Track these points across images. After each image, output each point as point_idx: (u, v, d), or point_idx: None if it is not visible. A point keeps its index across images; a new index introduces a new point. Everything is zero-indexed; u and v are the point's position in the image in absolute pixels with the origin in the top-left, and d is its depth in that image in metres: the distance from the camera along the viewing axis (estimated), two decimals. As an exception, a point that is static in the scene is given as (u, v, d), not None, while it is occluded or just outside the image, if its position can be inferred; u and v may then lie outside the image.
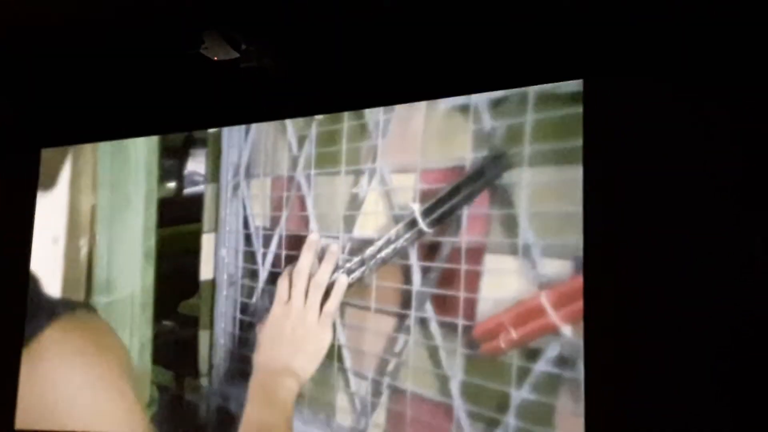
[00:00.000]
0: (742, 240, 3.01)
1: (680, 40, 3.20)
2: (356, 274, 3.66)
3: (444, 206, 3.48)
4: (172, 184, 4.32)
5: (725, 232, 3.04)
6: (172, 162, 4.33)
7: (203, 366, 3.99)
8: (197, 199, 4.21)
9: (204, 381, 3.98)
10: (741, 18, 3.08)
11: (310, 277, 3.75)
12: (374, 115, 3.72)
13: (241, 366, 3.90)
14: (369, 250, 3.63)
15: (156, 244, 4.27)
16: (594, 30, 3.30)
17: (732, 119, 3.09)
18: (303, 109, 3.95)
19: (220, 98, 4.10)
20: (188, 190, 4.27)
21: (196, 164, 4.27)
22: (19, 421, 4.34)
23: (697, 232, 3.08)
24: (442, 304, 3.43)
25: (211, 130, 4.18)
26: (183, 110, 4.24)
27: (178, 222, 4.26)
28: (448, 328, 3.39)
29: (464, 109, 3.51)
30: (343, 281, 3.68)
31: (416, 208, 3.54)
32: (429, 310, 3.45)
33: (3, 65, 4.12)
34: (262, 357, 3.85)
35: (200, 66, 3.66)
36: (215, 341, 3.98)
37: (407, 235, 3.55)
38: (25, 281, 4.59)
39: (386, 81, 3.75)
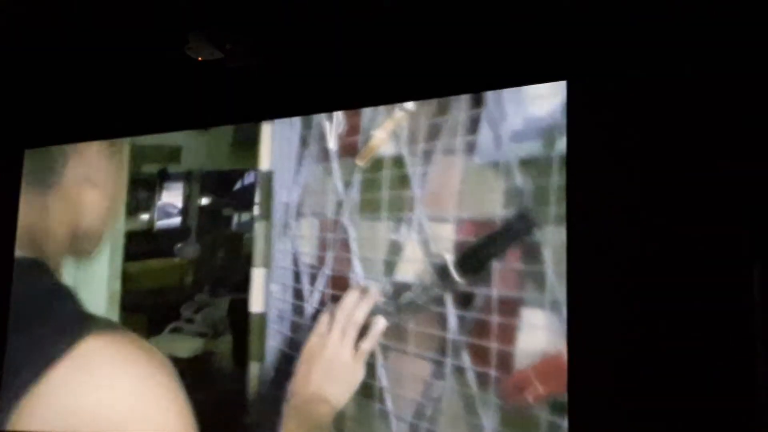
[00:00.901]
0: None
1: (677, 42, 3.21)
2: (394, 318, 3.74)
3: (475, 258, 3.54)
4: (144, 217, 4.49)
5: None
6: (143, 194, 4.49)
7: (252, 396, 4.11)
8: (170, 233, 4.38)
9: (252, 410, 4.10)
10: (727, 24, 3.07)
11: (351, 315, 3.86)
12: (414, 167, 3.81)
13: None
14: (406, 295, 3.71)
15: (122, 279, 4.44)
16: (578, 32, 3.34)
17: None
18: (291, 109, 4.08)
19: (205, 98, 4.18)
20: (161, 223, 4.43)
21: (170, 197, 4.42)
22: (69, 427, 4.42)
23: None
24: (477, 354, 3.48)
25: (263, 170, 4.31)
26: (168, 110, 4.34)
27: (149, 256, 4.42)
28: (482, 378, 3.45)
29: (496, 166, 3.58)
30: (381, 323, 3.77)
31: (449, 259, 3.61)
32: (465, 359, 3.50)
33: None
34: (297, 384, 3.97)
35: (185, 66, 3.73)
36: (263, 373, 4.10)
37: (441, 284, 3.62)
38: (8, 283, 4.68)
39: (373, 80, 3.83)
